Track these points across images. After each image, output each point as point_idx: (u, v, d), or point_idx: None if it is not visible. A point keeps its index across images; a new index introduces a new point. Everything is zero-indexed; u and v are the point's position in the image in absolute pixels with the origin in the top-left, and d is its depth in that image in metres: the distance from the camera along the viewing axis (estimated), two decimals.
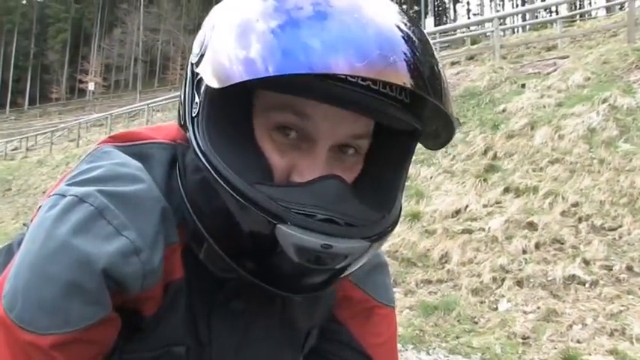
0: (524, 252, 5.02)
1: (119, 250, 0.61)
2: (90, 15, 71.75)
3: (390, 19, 0.63)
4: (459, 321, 4.38)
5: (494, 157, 6.95)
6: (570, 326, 3.91)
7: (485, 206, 5.96)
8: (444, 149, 6.45)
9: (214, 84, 0.60)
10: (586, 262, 4.60)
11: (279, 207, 0.60)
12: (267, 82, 0.56)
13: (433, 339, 4.18)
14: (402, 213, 0.75)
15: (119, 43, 62.98)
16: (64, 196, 0.64)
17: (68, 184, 0.67)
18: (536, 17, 29.00)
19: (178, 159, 0.73)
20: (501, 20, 15.23)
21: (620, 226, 4.94)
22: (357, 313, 0.91)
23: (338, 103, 0.62)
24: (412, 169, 6.84)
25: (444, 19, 68.40)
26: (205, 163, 0.63)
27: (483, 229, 5.54)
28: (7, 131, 42.79)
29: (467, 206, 6.08)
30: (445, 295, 4.86)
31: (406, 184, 0.77)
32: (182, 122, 0.71)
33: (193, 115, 0.68)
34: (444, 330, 4.28)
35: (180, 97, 0.74)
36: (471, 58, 13.61)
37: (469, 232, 5.62)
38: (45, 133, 28.37)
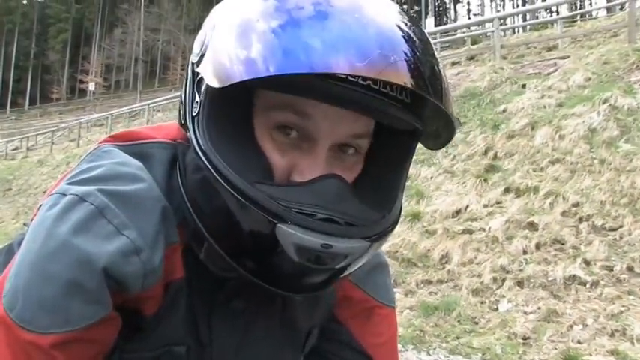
0: (525, 252, 5.02)
1: (119, 249, 0.61)
2: (91, 15, 71.79)
3: (391, 19, 0.63)
4: (459, 321, 4.38)
5: (495, 157, 6.94)
6: (571, 326, 3.91)
7: (485, 206, 5.96)
8: (444, 149, 6.46)
9: (215, 83, 0.60)
10: (586, 263, 4.60)
11: (279, 206, 0.60)
12: (268, 82, 0.56)
13: (433, 339, 4.18)
14: (403, 213, 0.75)
15: (120, 43, 63.03)
16: (64, 195, 0.64)
17: (69, 184, 0.67)
18: (537, 17, 28.97)
19: (179, 158, 0.73)
20: (502, 20, 15.24)
21: (621, 227, 4.93)
22: (358, 313, 0.91)
23: (338, 103, 0.62)
24: (412, 170, 6.84)
25: (445, 19, 68.37)
26: (205, 162, 0.63)
27: (484, 230, 5.54)
28: (7, 131, 42.81)
29: (467, 206, 6.08)
30: (445, 296, 4.86)
31: (406, 184, 0.77)
32: (182, 121, 0.71)
33: (194, 114, 0.68)
34: (445, 330, 4.28)
35: (181, 96, 0.74)
36: (472, 58, 13.61)
37: (469, 232, 5.61)
38: (45, 133, 28.39)
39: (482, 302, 4.62)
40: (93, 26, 70.47)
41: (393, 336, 0.96)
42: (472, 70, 10.54)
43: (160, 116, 22.20)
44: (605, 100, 6.73)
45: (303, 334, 0.88)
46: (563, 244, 4.98)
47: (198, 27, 0.73)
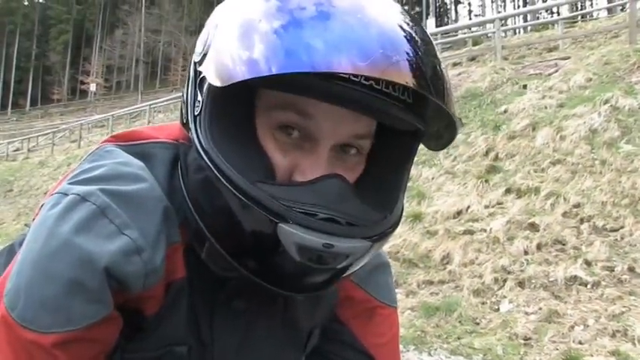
0: (526, 253, 5.01)
1: (121, 249, 0.61)
2: (91, 16, 71.90)
3: (393, 19, 0.63)
4: (460, 322, 4.37)
5: (496, 158, 6.94)
6: (572, 327, 3.90)
7: (486, 207, 5.96)
8: (445, 150, 6.44)
9: (217, 83, 0.60)
10: (588, 263, 4.59)
11: (281, 206, 0.60)
12: (270, 81, 0.56)
13: (435, 340, 4.18)
14: (404, 214, 0.75)
15: (120, 44, 63.14)
16: (66, 194, 0.64)
17: (70, 183, 0.67)
18: (538, 18, 28.96)
19: (180, 158, 0.73)
20: (503, 21, 15.24)
21: (622, 227, 4.93)
22: (359, 313, 0.91)
23: (340, 103, 0.62)
24: (414, 170, 6.84)
25: (446, 20, 68.38)
26: (207, 161, 0.63)
27: (485, 230, 5.53)
28: (8, 132, 42.91)
29: (468, 207, 6.08)
30: (447, 296, 4.85)
31: (408, 184, 0.77)
32: (184, 121, 0.71)
33: (196, 113, 0.68)
34: (446, 331, 4.27)
35: (183, 95, 0.74)
36: (473, 59, 13.63)
37: (471, 233, 5.61)
38: (46, 134, 28.42)
39: (483, 303, 4.62)
40: (94, 27, 70.58)
41: (394, 336, 0.96)
42: (473, 71, 10.54)
43: (161, 117, 22.22)
44: (606, 101, 6.73)
45: (305, 334, 0.88)
46: (564, 244, 4.97)
47: (200, 28, 0.73)
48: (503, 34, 15.43)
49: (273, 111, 0.66)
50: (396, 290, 1.01)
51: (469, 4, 74.13)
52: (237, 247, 0.66)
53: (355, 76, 0.59)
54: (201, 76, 0.67)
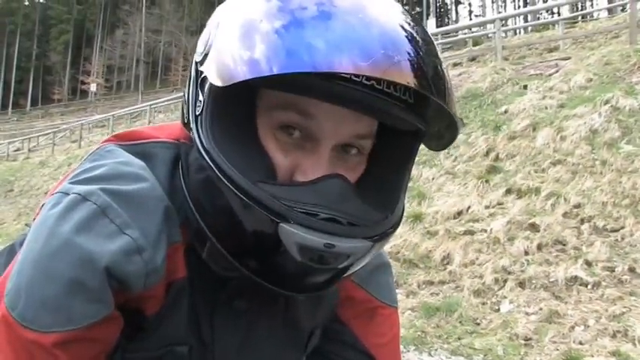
0: (526, 253, 5.01)
1: (122, 248, 0.61)
2: (92, 16, 71.94)
3: (394, 19, 0.63)
4: (460, 322, 4.37)
5: (496, 158, 6.94)
6: (572, 328, 3.90)
7: (487, 207, 5.96)
8: (445, 150, 6.46)
9: (218, 83, 0.60)
10: (588, 264, 4.59)
11: (282, 205, 0.60)
12: (271, 81, 0.56)
13: (435, 340, 4.18)
14: (404, 214, 0.75)
15: (121, 44, 63.18)
16: (67, 194, 0.64)
17: (71, 182, 0.67)
18: (538, 18, 28.99)
19: (181, 158, 0.73)
20: (503, 21, 15.23)
21: (623, 228, 4.93)
22: (360, 313, 0.91)
23: (342, 103, 0.62)
24: (414, 170, 6.83)
25: (446, 20, 68.39)
26: (209, 161, 0.63)
27: (485, 231, 5.53)
28: (9, 132, 42.95)
29: (469, 207, 6.08)
30: (447, 297, 4.85)
31: (408, 185, 0.77)
32: (186, 121, 0.71)
33: (197, 113, 0.68)
34: (446, 331, 4.27)
35: (184, 95, 0.74)
36: (473, 59, 13.63)
37: (471, 233, 5.61)
38: (47, 134, 28.45)
39: (483, 303, 4.61)
40: (94, 27, 70.61)
41: (395, 336, 0.96)
42: (473, 71, 10.54)
43: (161, 117, 22.23)
44: (607, 101, 6.73)
45: (306, 334, 0.88)
46: (564, 245, 4.97)
47: (200, 28, 0.73)
48: (503, 35, 15.44)
49: (275, 111, 0.66)
50: (397, 290, 1.00)
51: (469, 4, 74.14)
52: (239, 247, 0.66)
53: (357, 76, 0.59)
54: (202, 75, 0.67)
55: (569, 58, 9.50)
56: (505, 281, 4.74)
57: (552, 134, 6.69)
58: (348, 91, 0.60)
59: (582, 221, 5.17)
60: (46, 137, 27.92)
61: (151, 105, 22.88)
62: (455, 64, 13.03)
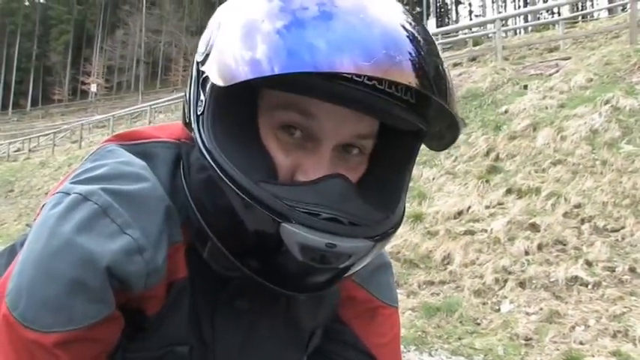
0: (527, 253, 5.01)
1: (123, 248, 0.61)
2: (92, 16, 71.97)
3: (396, 19, 0.63)
4: (461, 322, 4.37)
5: (497, 158, 6.94)
6: (573, 328, 3.90)
7: (487, 207, 5.96)
8: (446, 150, 6.45)
9: (220, 83, 0.60)
10: (588, 264, 4.59)
11: (283, 205, 0.60)
12: (272, 81, 0.56)
13: (435, 340, 4.18)
14: (405, 214, 0.75)
15: (121, 44, 63.20)
16: (68, 194, 0.64)
17: (72, 182, 0.67)
18: (538, 18, 29.00)
19: (183, 158, 0.73)
20: (503, 21, 15.23)
21: (623, 228, 4.92)
22: (361, 313, 0.91)
23: (343, 103, 0.62)
24: (414, 171, 6.81)
25: (446, 20, 68.39)
26: (210, 160, 0.63)
27: (486, 231, 5.53)
28: (9, 132, 42.97)
29: (469, 207, 6.08)
30: (447, 297, 4.85)
31: (409, 185, 0.77)
32: (187, 120, 0.71)
33: (198, 113, 0.68)
34: (447, 331, 4.27)
35: (186, 95, 0.74)
36: (473, 59, 13.62)
37: (471, 233, 5.61)
38: (47, 134, 28.46)
39: (484, 303, 4.61)
40: (94, 28, 70.64)
41: (396, 336, 0.96)
42: (474, 72, 10.54)
43: (161, 117, 22.24)
44: (607, 101, 6.73)
45: (307, 334, 0.88)
46: (565, 245, 4.97)
47: (200, 28, 0.74)
48: (503, 35, 15.44)
49: (276, 111, 0.66)
50: (397, 290, 1.01)
51: (470, 4, 74.16)
52: (240, 247, 0.66)
53: (358, 76, 0.59)
54: (204, 75, 0.67)
55: (569, 58, 9.50)
56: (505, 281, 4.74)
57: (553, 134, 6.69)
58: (349, 91, 0.59)
59: (583, 221, 5.17)
60: (46, 138, 27.94)
61: (151, 105, 22.90)
62: (455, 64, 13.02)
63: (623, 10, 16.94)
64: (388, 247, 0.74)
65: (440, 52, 0.66)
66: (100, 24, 70.11)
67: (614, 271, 4.47)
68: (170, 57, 59.53)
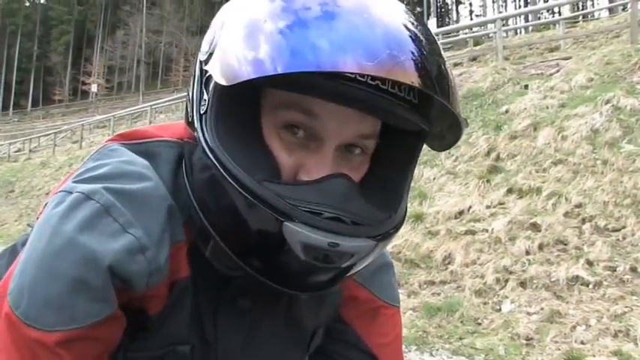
0: (528, 253, 5.01)
1: (125, 247, 0.62)
2: (93, 17, 72.01)
3: (398, 19, 0.63)
4: (462, 322, 4.37)
5: (498, 158, 6.94)
6: (574, 327, 3.90)
7: (488, 207, 5.95)
8: (447, 150, 6.41)
9: (223, 82, 0.60)
10: (590, 263, 4.59)
11: (286, 204, 0.60)
12: (276, 81, 0.57)
13: (436, 340, 4.18)
14: (407, 214, 0.75)
15: (122, 44, 63.23)
16: (70, 193, 0.65)
17: (75, 182, 0.67)
18: (539, 18, 29.00)
19: (185, 157, 0.73)
20: (504, 21, 15.23)
21: (624, 227, 4.92)
22: (363, 313, 0.91)
23: (346, 102, 0.62)
24: (415, 170, 6.84)
25: (447, 20, 68.39)
26: (213, 159, 0.63)
27: (486, 230, 5.53)
28: (10, 133, 43.00)
29: (470, 207, 6.07)
30: (448, 297, 4.85)
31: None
32: (190, 120, 0.71)
33: (202, 112, 0.68)
34: (448, 331, 4.27)
35: (189, 94, 0.74)
36: (474, 59, 13.64)
37: (472, 233, 5.61)
38: (48, 134, 28.48)
39: (485, 303, 4.61)
40: (95, 28, 70.69)
41: (398, 336, 0.96)
42: (474, 71, 10.53)
43: (162, 117, 22.24)
44: (608, 101, 6.72)
45: (309, 333, 0.88)
46: (566, 244, 4.97)
47: (201, 29, 0.74)
48: (504, 35, 15.44)
49: (279, 110, 0.66)
50: (398, 290, 1.01)
51: (470, 4, 74.17)
52: (243, 246, 0.66)
53: (361, 75, 0.59)
54: (207, 75, 0.68)
55: (570, 58, 9.49)
56: (506, 281, 4.74)
57: (553, 134, 6.69)
58: (352, 90, 0.60)
59: (583, 221, 5.17)
60: (47, 138, 27.95)
61: (152, 105, 22.89)
62: (456, 64, 13.03)
63: (623, 9, 16.94)
64: (389, 247, 0.74)
65: (442, 52, 0.66)
66: (100, 24, 70.15)
67: (615, 270, 4.47)
68: (171, 57, 59.57)
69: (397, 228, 0.70)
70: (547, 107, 7.49)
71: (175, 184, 0.72)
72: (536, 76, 9.04)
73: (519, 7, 55.51)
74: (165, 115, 22.56)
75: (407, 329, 4.25)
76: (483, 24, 22.96)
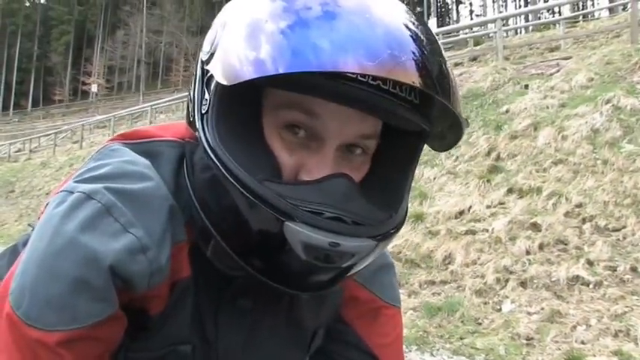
0: (528, 253, 5.01)
1: (126, 247, 0.62)
2: (93, 17, 71.99)
3: (399, 19, 0.63)
4: (462, 322, 4.37)
5: (498, 158, 6.94)
6: (574, 327, 3.90)
7: (488, 207, 5.95)
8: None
9: (224, 82, 0.60)
10: (590, 263, 4.59)
11: (287, 204, 0.60)
12: (277, 81, 0.57)
13: (437, 340, 4.18)
14: (407, 214, 0.75)
15: (122, 45, 63.22)
16: (71, 192, 0.65)
17: (76, 181, 0.67)
18: (539, 18, 29.01)
19: (186, 156, 0.73)
20: (504, 21, 15.23)
21: (624, 227, 4.92)
22: (364, 314, 0.91)
23: (348, 102, 0.62)
24: (416, 170, 6.84)
25: (447, 20, 68.39)
26: (214, 159, 0.63)
27: (487, 230, 5.53)
28: (10, 133, 43.03)
29: (470, 207, 6.08)
30: (449, 296, 4.85)
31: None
32: (191, 119, 0.71)
33: (203, 111, 0.68)
34: (448, 331, 4.27)
35: (190, 94, 0.74)
36: (474, 59, 13.64)
37: (473, 233, 5.61)
38: (48, 134, 28.48)
39: (485, 303, 4.61)
40: (95, 28, 70.68)
41: (398, 336, 0.96)
42: (475, 71, 10.53)
43: (162, 117, 22.24)
44: (608, 101, 6.72)
45: (309, 334, 0.88)
46: (566, 244, 4.97)
47: (201, 29, 0.74)
48: (504, 34, 15.42)
49: (280, 110, 0.66)
50: (399, 291, 1.01)
51: (470, 4, 74.16)
52: (244, 246, 0.66)
53: (363, 75, 0.59)
54: (208, 74, 0.68)
55: (570, 58, 9.49)
56: (507, 281, 4.74)
57: (554, 134, 6.69)
58: (353, 90, 0.60)
59: (584, 221, 5.17)
60: (47, 138, 27.95)
61: (152, 105, 22.89)
62: (456, 64, 13.03)
63: (624, 9, 16.94)
64: (389, 247, 0.74)
65: (443, 51, 0.66)
66: (100, 24, 70.15)
67: (615, 270, 4.47)
68: (171, 57, 59.59)
69: (398, 228, 0.70)
70: (547, 107, 7.49)
71: (177, 184, 0.72)
72: (537, 75, 9.04)
73: (519, 6, 55.51)
74: (166, 115, 22.57)
75: (407, 329, 4.25)
76: (483, 24, 22.97)
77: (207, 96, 0.68)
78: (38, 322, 0.59)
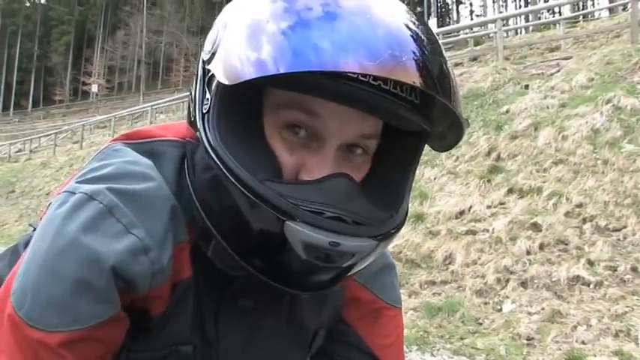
0: (529, 253, 5.01)
1: (128, 248, 0.62)
2: (93, 17, 72.01)
3: (400, 19, 0.63)
4: (463, 322, 4.37)
5: (498, 158, 6.94)
6: (575, 327, 3.90)
7: (489, 207, 5.96)
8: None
9: (225, 81, 0.61)
10: (590, 263, 4.59)
11: (288, 204, 0.61)
12: (278, 80, 0.57)
13: (437, 340, 4.18)
14: (408, 214, 0.75)
15: (122, 45, 63.21)
16: (73, 193, 0.65)
17: (78, 182, 0.67)
18: (539, 18, 28.99)
19: (187, 156, 0.73)
20: (504, 21, 15.21)
21: (625, 227, 4.92)
22: (365, 314, 0.91)
23: (348, 102, 0.62)
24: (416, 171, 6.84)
25: (447, 20, 68.38)
26: (215, 159, 0.63)
27: (487, 230, 5.53)
28: (11, 133, 43.04)
29: (471, 207, 6.08)
30: (449, 297, 4.85)
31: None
32: (192, 119, 0.71)
33: (204, 111, 0.68)
34: (448, 331, 4.27)
35: (191, 93, 0.74)
36: (474, 59, 13.63)
37: (473, 233, 5.61)
38: (48, 135, 28.50)
39: (485, 303, 4.61)
40: (95, 28, 70.69)
41: (399, 337, 0.96)
42: (475, 71, 10.53)
43: (162, 118, 22.25)
44: (609, 101, 6.72)
45: (310, 334, 0.88)
46: (566, 244, 4.97)
47: (201, 29, 0.74)
48: (504, 35, 15.42)
49: (281, 110, 0.66)
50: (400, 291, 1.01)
51: (470, 4, 74.15)
52: (245, 246, 0.66)
53: (364, 75, 0.59)
54: (209, 74, 0.68)
55: (570, 58, 9.48)
56: (507, 281, 4.74)
57: (554, 134, 6.69)
58: (354, 90, 0.60)
59: (584, 221, 5.17)
60: (47, 138, 27.97)
61: (152, 106, 22.90)
62: (456, 64, 13.02)
63: (624, 9, 16.93)
64: (390, 247, 0.74)
65: (443, 51, 0.66)
66: (100, 25, 70.16)
67: (615, 270, 4.47)
68: (171, 57, 59.60)
69: (398, 228, 0.70)
70: (548, 107, 7.49)
71: (179, 184, 0.72)
72: (537, 76, 9.04)
73: (520, 7, 55.52)
74: (166, 116, 22.58)
75: (408, 329, 4.25)
76: (484, 24, 22.96)
77: (208, 96, 0.68)
78: (40, 322, 0.59)
